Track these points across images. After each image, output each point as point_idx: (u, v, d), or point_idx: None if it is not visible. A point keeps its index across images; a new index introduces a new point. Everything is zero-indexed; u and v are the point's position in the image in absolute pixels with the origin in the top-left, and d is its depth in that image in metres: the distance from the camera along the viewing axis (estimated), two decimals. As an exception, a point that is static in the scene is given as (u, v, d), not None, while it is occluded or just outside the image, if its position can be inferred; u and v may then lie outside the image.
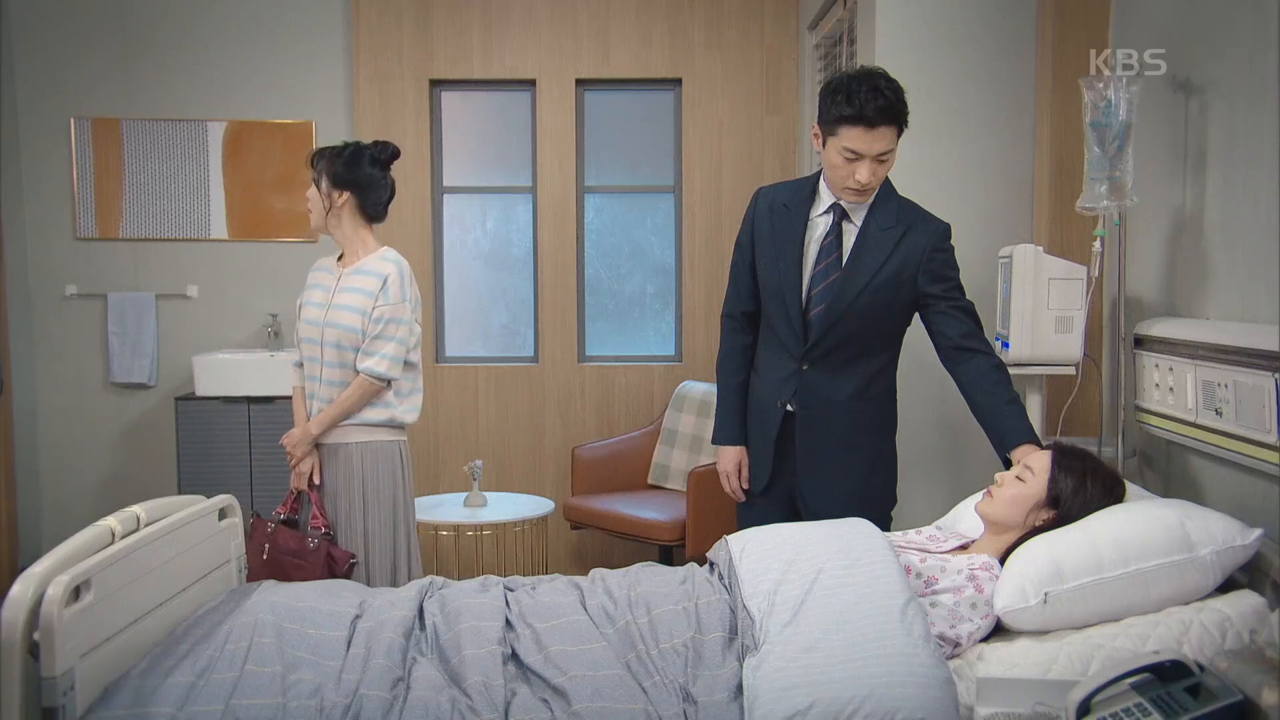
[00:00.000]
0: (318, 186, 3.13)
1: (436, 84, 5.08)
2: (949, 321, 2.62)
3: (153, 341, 5.03)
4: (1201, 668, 1.61)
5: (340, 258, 3.22)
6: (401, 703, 1.90)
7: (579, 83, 5.08)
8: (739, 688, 1.90)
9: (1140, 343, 2.58)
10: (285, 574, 2.93)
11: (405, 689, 1.94)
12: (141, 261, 5.07)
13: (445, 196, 5.17)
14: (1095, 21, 3.10)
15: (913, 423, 3.30)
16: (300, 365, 3.25)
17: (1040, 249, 2.86)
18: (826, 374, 2.68)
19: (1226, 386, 2.17)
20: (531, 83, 5.07)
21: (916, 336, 2.77)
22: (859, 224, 2.65)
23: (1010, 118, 3.48)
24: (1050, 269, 2.83)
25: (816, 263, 2.67)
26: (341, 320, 3.09)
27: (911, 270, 2.63)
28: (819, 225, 2.69)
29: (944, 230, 2.67)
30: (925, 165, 3.43)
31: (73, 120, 5.00)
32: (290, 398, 3.31)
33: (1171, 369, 2.41)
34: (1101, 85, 2.44)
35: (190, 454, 4.68)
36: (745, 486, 2.83)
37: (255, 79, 5.04)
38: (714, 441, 2.90)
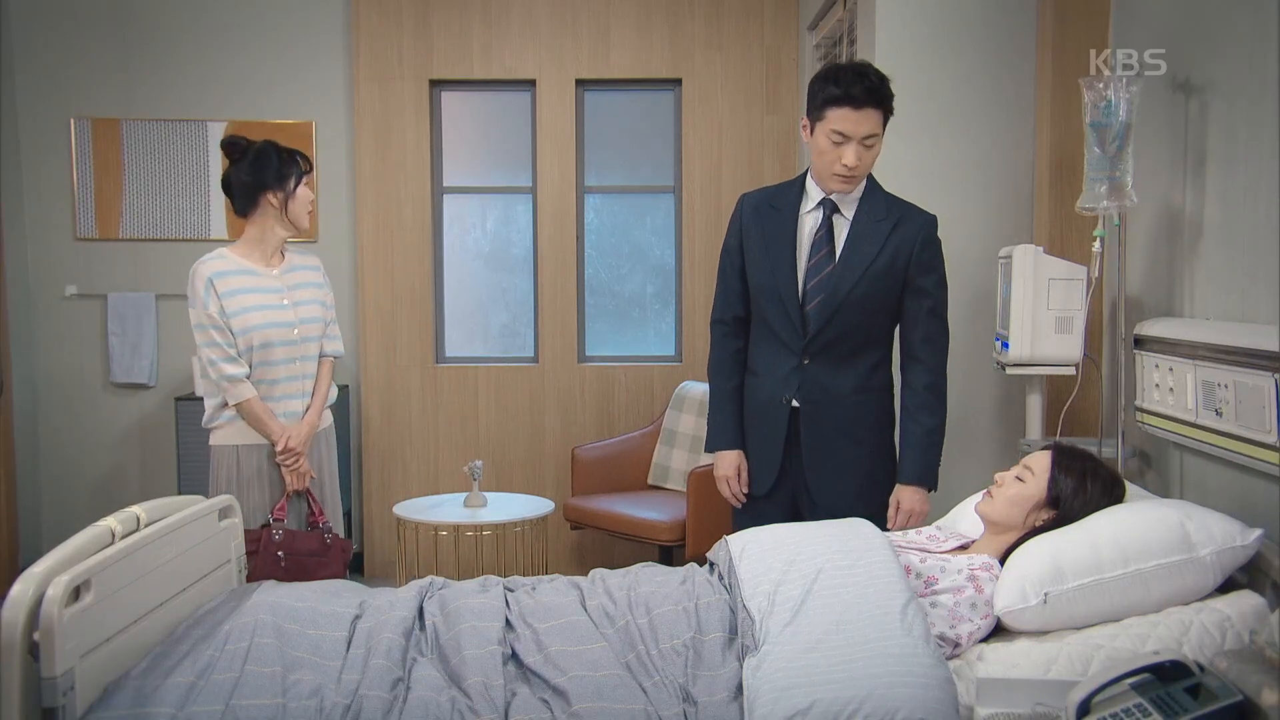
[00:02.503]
0: (311, 189, 3.23)
1: (436, 84, 5.08)
2: (913, 327, 2.71)
3: (153, 341, 5.03)
4: (1201, 668, 1.61)
5: (234, 251, 3.16)
6: (401, 703, 1.90)
7: (579, 83, 5.08)
8: (739, 688, 1.90)
9: (1140, 343, 2.58)
10: (309, 576, 2.91)
11: (405, 689, 1.94)
12: (141, 261, 5.07)
13: (445, 196, 5.17)
14: (1095, 21, 3.09)
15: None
16: (248, 376, 3.06)
17: (1040, 249, 2.86)
18: (828, 367, 2.70)
19: (1226, 386, 2.17)
20: (531, 83, 5.07)
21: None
22: (849, 217, 2.69)
23: (1010, 118, 3.48)
24: (1050, 269, 2.83)
25: (810, 257, 2.70)
26: (314, 314, 3.20)
27: (904, 260, 2.67)
28: (809, 221, 2.72)
29: (934, 221, 2.73)
30: (925, 165, 3.43)
31: (73, 120, 5.00)
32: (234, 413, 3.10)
33: (1171, 369, 2.40)
34: (1101, 85, 2.44)
35: (190, 454, 4.67)
36: (746, 490, 2.83)
37: (255, 79, 5.04)
38: (709, 448, 2.89)
